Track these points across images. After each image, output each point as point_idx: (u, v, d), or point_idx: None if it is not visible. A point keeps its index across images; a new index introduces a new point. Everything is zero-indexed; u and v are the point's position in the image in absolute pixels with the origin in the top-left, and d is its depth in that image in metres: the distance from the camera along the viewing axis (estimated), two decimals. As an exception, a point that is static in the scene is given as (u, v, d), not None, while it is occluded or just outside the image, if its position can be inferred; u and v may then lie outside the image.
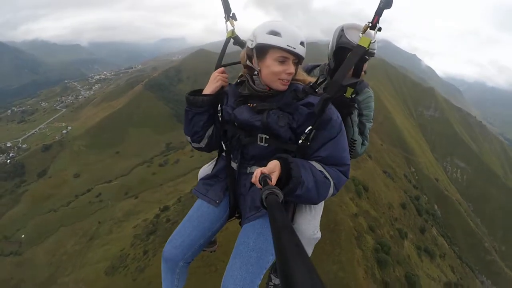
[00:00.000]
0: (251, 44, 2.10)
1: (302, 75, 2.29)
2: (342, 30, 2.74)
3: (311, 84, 2.19)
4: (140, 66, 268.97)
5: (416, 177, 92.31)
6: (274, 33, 2.00)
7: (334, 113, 2.08)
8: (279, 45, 1.99)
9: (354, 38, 2.62)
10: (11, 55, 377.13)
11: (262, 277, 2.03)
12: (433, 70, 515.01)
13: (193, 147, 2.59)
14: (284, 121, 2.06)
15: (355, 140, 2.77)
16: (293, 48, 1.99)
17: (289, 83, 2.13)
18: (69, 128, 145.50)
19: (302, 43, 2.03)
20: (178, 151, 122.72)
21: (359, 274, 35.09)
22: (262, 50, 2.07)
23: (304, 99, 2.09)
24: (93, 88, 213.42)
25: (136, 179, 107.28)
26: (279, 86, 2.12)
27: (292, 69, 2.07)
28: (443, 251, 62.95)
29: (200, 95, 2.38)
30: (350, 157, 2.67)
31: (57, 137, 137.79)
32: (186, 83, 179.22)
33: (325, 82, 2.74)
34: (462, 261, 67.54)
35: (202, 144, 2.50)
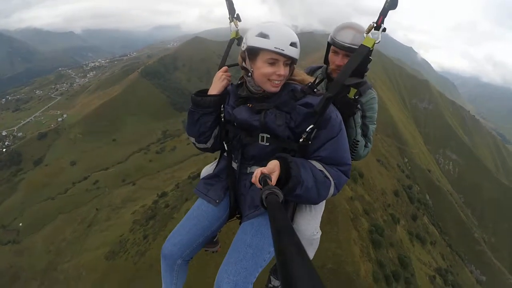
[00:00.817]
0: (243, 47, 2.12)
1: (301, 75, 2.29)
2: (335, 30, 2.77)
3: (309, 84, 2.20)
4: (135, 53, 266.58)
5: (409, 167, 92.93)
6: (263, 35, 1.99)
7: (333, 112, 2.09)
8: (266, 47, 1.97)
9: (345, 38, 2.66)
10: (4, 43, 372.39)
11: (257, 275, 2.01)
12: (429, 64, 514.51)
13: (198, 148, 2.59)
14: (282, 120, 2.06)
15: (358, 141, 2.76)
16: (282, 50, 1.97)
17: (280, 84, 2.11)
18: (65, 116, 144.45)
19: (293, 44, 2.00)
20: (175, 139, 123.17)
21: (356, 252, 36.82)
22: (252, 52, 2.05)
23: (302, 99, 2.10)
24: (87, 75, 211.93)
25: (133, 166, 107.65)
26: (270, 87, 2.11)
27: (282, 70, 2.05)
28: (434, 239, 64.25)
29: (206, 95, 2.38)
30: (353, 159, 2.77)
31: (52, 125, 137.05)
32: (182, 70, 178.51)
33: (324, 82, 2.86)
34: (452, 250, 68.97)
35: (209, 144, 2.50)
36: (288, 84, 2.17)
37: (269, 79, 2.07)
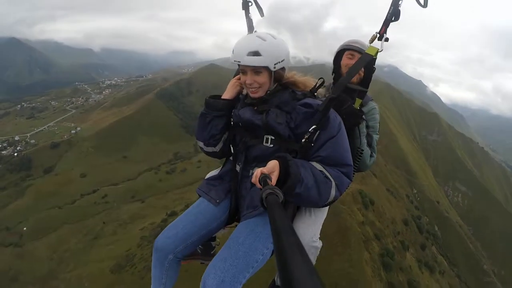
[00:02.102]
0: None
1: (304, 81, 2.37)
2: (347, 41, 3.09)
3: (310, 89, 2.33)
4: (150, 75, 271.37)
5: (418, 199, 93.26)
6: (232, 50, 2.17)
7: (332, 112, 2.17)
8: (231, 61, 2.16)
9: (359, 44, 2.99)
10: (25, 52, 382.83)
11: (247, 275, 1.99)
12: (438, 97, 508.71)
13: (207, 152, 2.64)
14: (282, 119, 2.15)
15: (362, 150, 2.83)
16: (238, 62, 2.11)
17: (258, 91, 2.22)
18: (78, 129, 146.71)
19: (251, 53, 2.07)
20: (185, 161, 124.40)
21: (368, 272, 38.75)
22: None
23: (302, 99, 2.20)
24: (103, 92, 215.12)
25: (143, 184, 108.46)
26: (250, 94, 2.28)
27: (248, 79, 2.18)
28: (443, 269, 64.06)
29: (219, 98, 2.51)
30: (358, 169, 2.91)
31: (65, 136, 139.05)
32: (195, 95, 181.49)
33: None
34: (461, 281, 68.21)
35: (217, 148, 2.56)
36: (288, 88, 2.30)
37: (246, 87, 2.27)
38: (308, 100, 2.17)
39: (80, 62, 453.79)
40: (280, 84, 2.28)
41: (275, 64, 2.12)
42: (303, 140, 2.11)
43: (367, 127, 2.92)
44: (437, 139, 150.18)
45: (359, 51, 2.90)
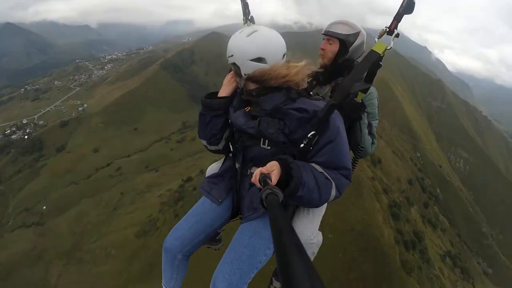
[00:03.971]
0: None
1: (299, 75, 2.12)
2: (331, 24, 2.91)
3: (304, 87, 2.17)
4: (150, 47, 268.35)
5: (421, 162, 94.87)
6: None
7: (332, 116, 2.07)
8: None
9: (339, 30, 2.81)
10: (21, 36, 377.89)
11: (252, 276, 2.08)
12: (443, 64, 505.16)
13: (210, 150, 2.59)
14: (274, 128, 2.06)
15: (362, 147, 2.81)
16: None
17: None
18: (85, 105, 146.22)
19: (229, 54, 2.13)
20: (195, 129, 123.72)
21: (379, 219, 42.86)
22: None
23: (296, 101, 2.07)
24: (105, 67, 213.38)
25: (155, 154, 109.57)
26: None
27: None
28: (444, 227, 66.34)
29: (216, 98, 2.42)
30: (360, 156, 2.88)
31: (73, 114, 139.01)
32: (199, 65, 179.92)
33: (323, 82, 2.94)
34: (461, 239, 70.78)
35: (220, 146, 2.50)
36: (281, 87, 2.12)
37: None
38: (303, 104, 2.05)
39: (78, 40, 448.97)
40: (266, 87, 2.11)
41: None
42: (301, 146, 2.04)
43: (366, 113, 2.78)
44: (441, 105, 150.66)
45: (323, 33, 2.85)
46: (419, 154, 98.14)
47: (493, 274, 70.78)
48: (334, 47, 2.83)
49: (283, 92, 2.08)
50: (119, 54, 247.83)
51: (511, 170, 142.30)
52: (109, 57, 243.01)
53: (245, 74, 2.10)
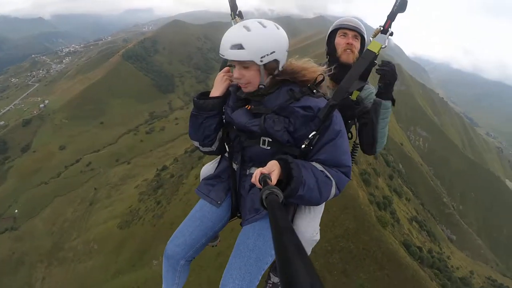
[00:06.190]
0: None
1: (305, 71, 2.15)
2: (340, 20, 2.94)
3: (309, 85, 2.14)
4: (109, 38, 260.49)
5: None
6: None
7: (333, 115, 2.09)
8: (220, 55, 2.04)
9: (353, 22, 2.86)
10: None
11: (260, 277, 2.09)
12: (401, 49, 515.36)
13: (203, 151, 2.54)
14: (280, 125, 2.04)
15: (358, 144, 2.89)
16: (223, 55, 1.99)
17: (247, 86, 2.10)
18: (47, 102, 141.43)
19: (234, 46, 1.93)
20: (162, 119, 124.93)
21: (354, 183, 44.47)
22: None
23: (301, 100, 2.06)
24: (63, 61, 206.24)
25: (124, 147, 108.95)
26: (242, 88, 2.17)
27: (236, 73, 2.06)
28: (408, 197, 70.03)
29: (208, 98, 2.35)
30: (370, 153, 2.99)
31: (35, 112, 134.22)
32: (162, 53, 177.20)
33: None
34: (425, 208, 75.06)
35: (214, 147, 2.46)
36: (286, 84, 2.13)
37: (236, 81, 2.17)
38: (308, 102, 2.05)
39: (32, 33, 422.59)
40: (275, 77, 2.13)
41: (261, 58, 1.95)
42: (303, 146, 2.06)
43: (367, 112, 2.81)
44: (400, 88, 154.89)
45: (352, 29, 2.82)
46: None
47: (457, 240, 75.29)
48: (358, 44, 2.84)
49: (288, 91, 2.10)
50: (77, 47, 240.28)
51: (467, 146, 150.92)
52: (67, 50, 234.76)
53: (282, 67, 2.08)
